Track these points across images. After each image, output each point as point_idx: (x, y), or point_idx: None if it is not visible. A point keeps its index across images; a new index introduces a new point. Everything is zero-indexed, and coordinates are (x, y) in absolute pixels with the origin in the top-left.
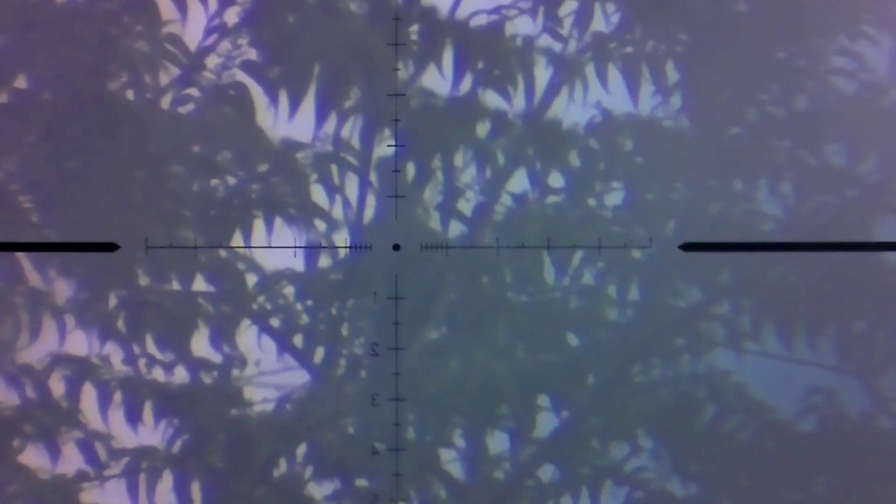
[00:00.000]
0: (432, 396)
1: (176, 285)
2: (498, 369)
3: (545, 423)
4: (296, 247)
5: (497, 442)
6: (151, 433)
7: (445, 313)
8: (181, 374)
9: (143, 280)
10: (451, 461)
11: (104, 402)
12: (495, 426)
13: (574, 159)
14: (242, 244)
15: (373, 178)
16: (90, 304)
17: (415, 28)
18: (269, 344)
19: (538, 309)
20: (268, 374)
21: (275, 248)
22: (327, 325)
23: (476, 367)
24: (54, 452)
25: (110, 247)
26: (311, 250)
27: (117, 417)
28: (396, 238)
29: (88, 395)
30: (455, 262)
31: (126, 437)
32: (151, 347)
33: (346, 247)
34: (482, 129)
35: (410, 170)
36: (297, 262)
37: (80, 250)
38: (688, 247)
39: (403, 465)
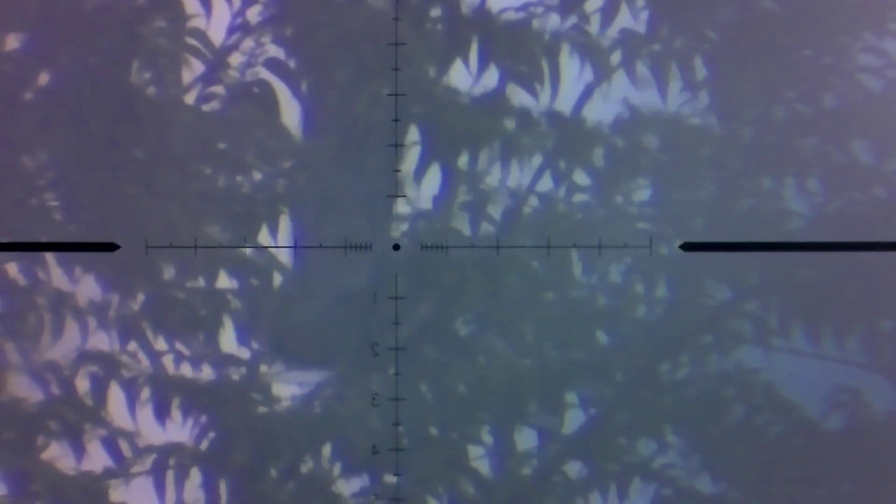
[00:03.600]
0: (455, 394)
1: (202, 282)
2: (524, 367)
3: (573, 419)
4: (295, 247)
5: (524, 439)
6: (179, 430)
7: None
8: (208, 371)
9: (169, 276)
10: (478, 458)
11: (131, 398)
12: (523, 423)
13: (600, 156)
14: (269, 240)
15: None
16: (116, 303)
17: (440, 25)
18: (296, 340)
19: (565, 306)
20: (295, 370)
21: (273, 247)
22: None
23: (500, 364)
24: (80, 450)
25: (110, 247)
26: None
27: (144, 414)
28: (396, 238)
29: (115, 392)
30: (455, 262)
31: (153, 434)
32: (179, 344)
33: (346, 246)
34: (508, 125)
35: (435, 169)
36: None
37: (80, 250)
38: (687, 247)
39: (415, 463)
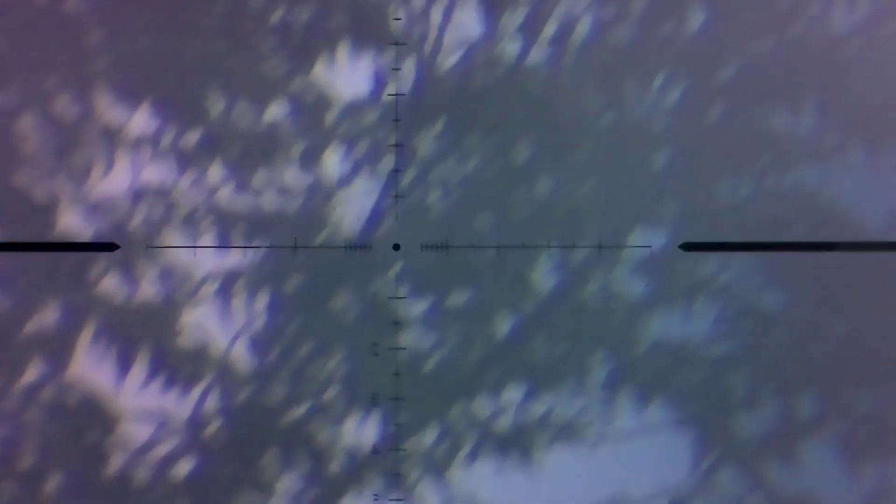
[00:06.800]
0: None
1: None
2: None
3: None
4: (295, 246)
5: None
6: (241, 258)
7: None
8: (269, 199)
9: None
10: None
11: (191, 230)
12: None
13: None
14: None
15: None
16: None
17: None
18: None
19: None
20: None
21: (273, 247)
22: None
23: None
24: (134, 281)
25: (110, 247)
26: None
27: (206, 243)
28: (396, 238)
29: (174, 224)
30: (455, 262)
31: (217, 261)
32: (237, 174)
33: (346, 247)
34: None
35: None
36: None
37: (80, 250)
38: (688, 246)
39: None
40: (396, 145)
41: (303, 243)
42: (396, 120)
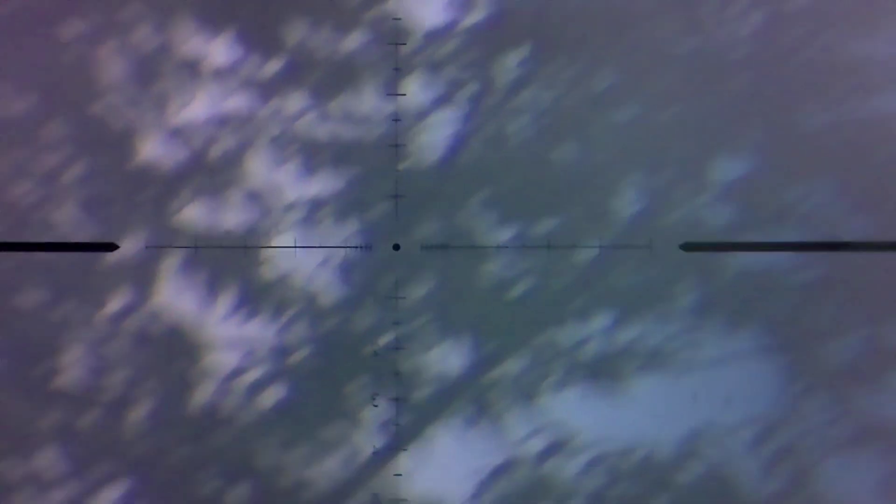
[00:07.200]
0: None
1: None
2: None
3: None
4: (295, 247)
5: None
6: (324, 185)
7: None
8: (349, 127)
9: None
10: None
11: (276, 156)
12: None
13: None
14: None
15: None
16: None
17: None
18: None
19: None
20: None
21: (274, 248)
22: None
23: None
24: (218, 208)
25: (110, 247)
26: None
27: (289, 170)
28: (396, 238)
29: (257, 150)
30: (455, 262)
31: (299, 188)
32: (322, 101)
33: (346, 247)
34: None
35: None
36: None
37: (80, 250)
38: (688, 247)
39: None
40: (398, 145)
41: (385, 168)
42: (397, 120)
